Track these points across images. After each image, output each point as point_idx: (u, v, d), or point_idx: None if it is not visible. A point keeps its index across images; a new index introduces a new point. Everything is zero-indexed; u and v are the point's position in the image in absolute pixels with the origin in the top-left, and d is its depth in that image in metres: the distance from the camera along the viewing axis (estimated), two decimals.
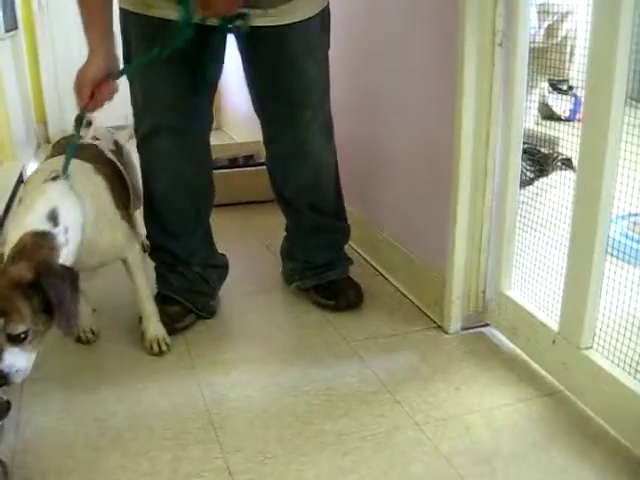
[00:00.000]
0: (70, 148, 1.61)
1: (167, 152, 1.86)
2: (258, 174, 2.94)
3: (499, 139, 1.73)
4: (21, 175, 2.82)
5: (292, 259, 2.14)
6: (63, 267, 1.41)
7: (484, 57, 1.67)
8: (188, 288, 1.98)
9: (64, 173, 1.55)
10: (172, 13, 1.64)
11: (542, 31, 2.58)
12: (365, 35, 2.00)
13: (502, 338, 1.84)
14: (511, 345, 1.80)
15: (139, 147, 1.90)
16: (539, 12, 2.43)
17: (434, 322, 1.95)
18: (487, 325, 1.91)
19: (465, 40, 1.65)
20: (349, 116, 1.97)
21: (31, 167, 3.75)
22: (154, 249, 2.02)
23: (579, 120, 1.44)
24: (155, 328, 1.85)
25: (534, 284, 1.75)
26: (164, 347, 1.84)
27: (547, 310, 1.68)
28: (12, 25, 3.77)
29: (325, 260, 2.07)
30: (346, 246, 2.16)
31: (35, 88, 4.48)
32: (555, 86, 4.23)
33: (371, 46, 2.16)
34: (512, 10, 1.62)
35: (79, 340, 1.90)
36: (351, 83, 1.93)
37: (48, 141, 4.59)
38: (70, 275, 1.40)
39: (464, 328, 1.90)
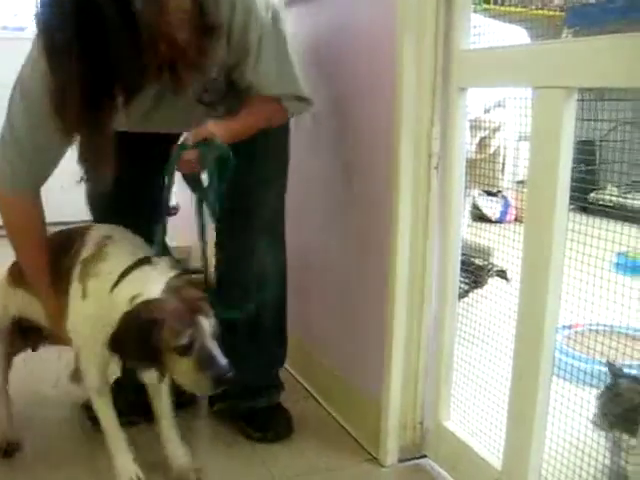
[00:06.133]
0: None
1: None
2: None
3: (436, 262, 1.68)
4: None
5: None
6: None
7: (420, 182, 1.63)
8: None
9: None
10: None
11: (474, 145, 2.60)
12: (302, 162, 1.95)
13: (441, 471, 1.72)
14: None
15: None
16: (471, 127, 2.45)
17: (370, 454, 1.82)
18: (425, 457, 1.79)
19: (400, 165, 1.61)
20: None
21: None
22: None
23: (509, 222, 1.42)
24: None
25: (474, 414, 1.67)
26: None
27: (489, 445, 1.59)
28: None
29: (255, 384, 1.90)
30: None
31: None
32: (485, 190, 4.31)
33: (310, 175, 2.10)
34: (448, 131, 1.59)
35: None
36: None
37: None
38: None
39: (401, 460, 1.78)
